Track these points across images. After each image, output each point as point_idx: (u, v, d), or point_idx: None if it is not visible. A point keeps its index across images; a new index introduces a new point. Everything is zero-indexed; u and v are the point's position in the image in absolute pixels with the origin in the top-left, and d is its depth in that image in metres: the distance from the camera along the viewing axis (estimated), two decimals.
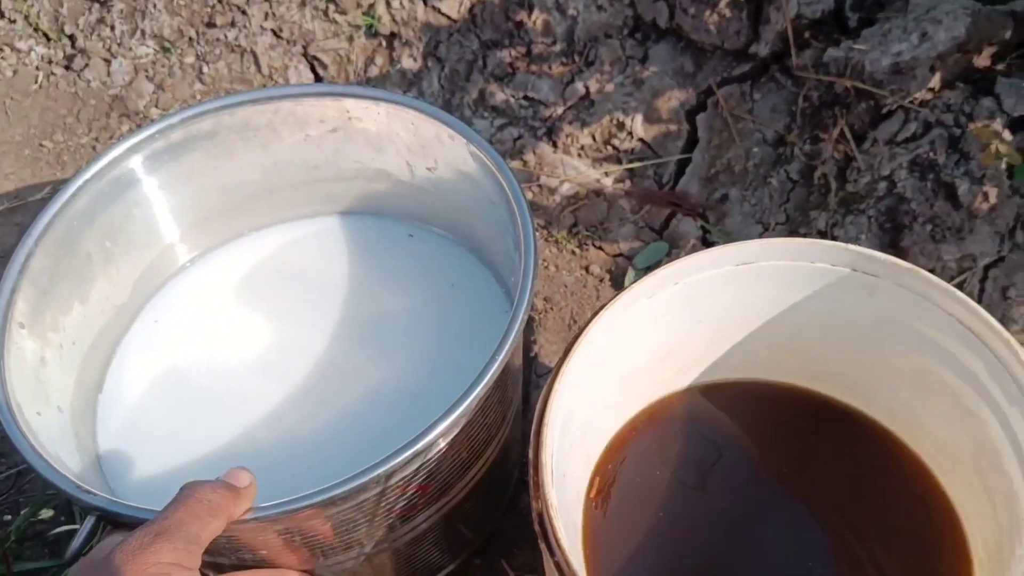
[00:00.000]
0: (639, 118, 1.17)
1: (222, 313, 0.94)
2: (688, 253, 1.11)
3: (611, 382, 0.78)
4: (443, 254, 0.96)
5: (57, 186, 1.32)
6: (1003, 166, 0.96)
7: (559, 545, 0.65)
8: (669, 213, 1.14)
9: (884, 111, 1.01)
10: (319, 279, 0.95)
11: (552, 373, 0.72)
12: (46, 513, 0.98)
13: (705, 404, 0.86)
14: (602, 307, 0.74)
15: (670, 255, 1.11)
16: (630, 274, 1.11)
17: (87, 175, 0.86)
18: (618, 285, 1.12)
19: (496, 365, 0.73)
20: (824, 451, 0.83)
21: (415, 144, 0.90)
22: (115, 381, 0.90)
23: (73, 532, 0.94)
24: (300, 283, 0.95)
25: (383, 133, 0.91)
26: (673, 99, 1.16)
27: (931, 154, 0.98)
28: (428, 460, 0.74)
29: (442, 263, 0.95)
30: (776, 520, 0.82)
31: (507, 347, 0.74)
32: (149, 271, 0.94)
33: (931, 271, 0.87)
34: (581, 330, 0.73)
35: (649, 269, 1.13)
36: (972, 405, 0.73)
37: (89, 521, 0.71)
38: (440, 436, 0.71)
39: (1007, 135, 0.96)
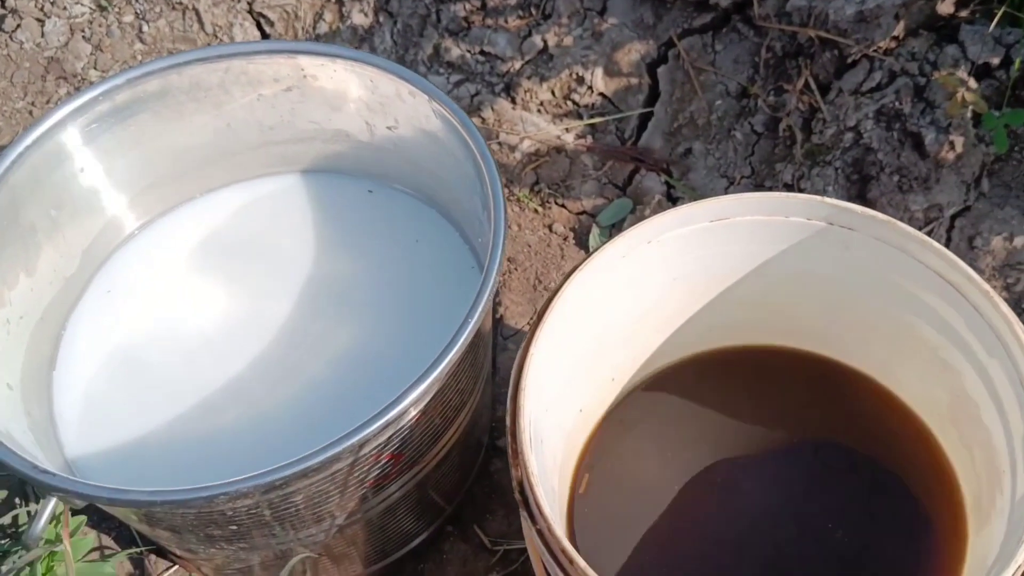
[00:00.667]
0: (599, 72, 1.14)
1: (176, 281, 0.90)
2: (653, 209, 1.09)
3: (586, 346, 0.76)
4: (405, 211, 0.93)
5: None
6: (968, 115, 0.95)
7: (541, 512, 0.63)
8: (632, 169, 1.12)
9: (849, 61, 1.00)
10: (277, 242, 0.92)
11: (527, 337, 0.70)
12: None
13: (686, 373, 0.84)
14: (575, 268, 0.72)
15: (634, 212, 1.09)
16: (594, 232, 1.09)
17: (27, 141, 0.81)
18: (582, 243, 1.10)
19: (468, 329, 0.71)
20: (809, 404, 0.83)
21: (374, 102, 0.87)
22: (68, 356, 0.86)
23: (29, 515, 0.91)
24: (257, 247, 0.92)
25: (340, 91, 0.88)
26: (633, 52, 1.14)
27: (897, 104, 0.97)
28: (401, 428, 0.72)
29: (404, 221, 0.92)
30: (764, 476, 0.81)
31: (479, 311, 0.72)
32: (98, 240, 0.90)
33: None
34: (555, 292, 0.72)
35: (614, 226, 1.11)
36: (949, 358, 0.73)
37: (49, 503, 0.68)
38: (412, 404, 0.69)
39: (972, 83, 0.95)
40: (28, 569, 0.71)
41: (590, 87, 1.15)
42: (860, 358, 0.82)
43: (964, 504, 0.76)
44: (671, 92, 1.13)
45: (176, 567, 0.92)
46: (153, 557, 0.92)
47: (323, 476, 0.70)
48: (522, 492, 0.66)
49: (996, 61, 0.97)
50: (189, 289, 0.90)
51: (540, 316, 0.71)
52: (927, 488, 0.77)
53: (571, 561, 0.61)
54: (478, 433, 0.91)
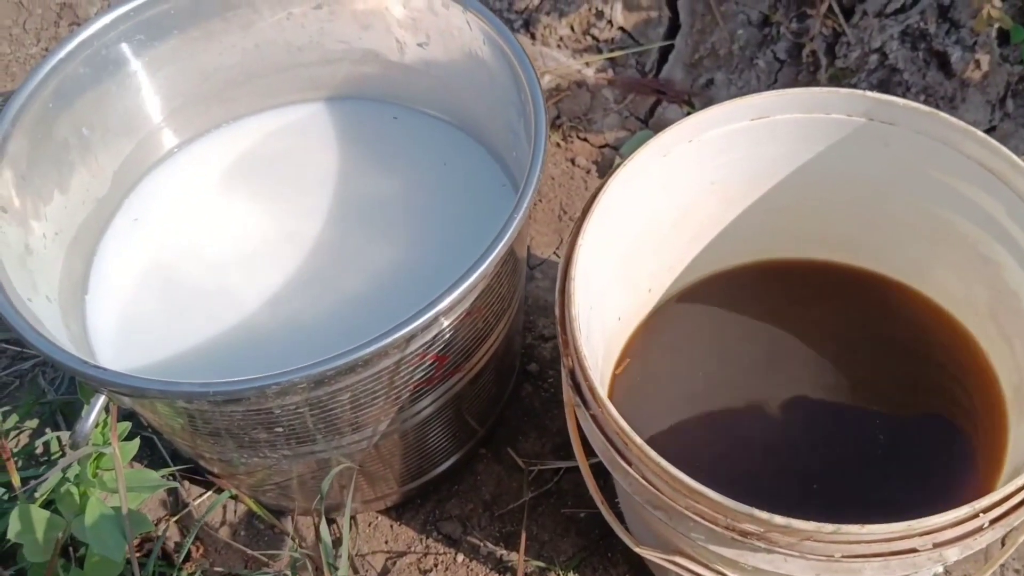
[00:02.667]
0: (618, 6, 1.15)
1: (208, 204, 0.90)
2: None
3: (625, 249, 0.76)
4: (432, 135, 0.93)
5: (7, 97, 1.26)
6: (993, 33, 0.96)
7: (595, 396, 0.63)
8: (654, 101, 1.12)
9: None
10: (305, 166, 0.92)
11: (572, 231, 0.70)
12: (31, 423, 0.94)
13: (718, 287, 0.85)
14: (618, 166, 0.73)
15: None
16: (618, 163, 1.09)
17: (61, 54, 0.81)
18: (605, 175, 1.10)
19: (515, 223, 0.71)
20: (841, 314, 0.83)
21: (405, 18, 0.87)
22: (101, 276, 0.86)
23: (60, 441, 0.90)
24: (286, 171, 0.92)
25: (371, 7, 0.87)
26: None
27: (922, 24, 0.97)
28: (446, 328, 0.72)
29: (432, 143, 0.92)
30: (804, 389, 0.81)
31: (524, 206, 0.72)
32: (128, 162, 0.89)
33: None
34: (599, 188, 0.72)
35: None
36: (989, 252, 0.73)
37: (97, 401, 0.68)
38: (462, 296, 0.68)
39: (996, 1, 0.95)
40: (76, 467, 0.71)
41: (609, 21, 1.15)
42: (894, 265, 0.82)
43: (1004, 397, 0.76)
44: (691, 23, 1.13)
45: (209, 493, 0.92)
46: (187, 484, 0.92)
47: (369, 374, 0.70)
48: (574, 379, 0.66)
49: None
50: (220, 211, 0.89)
51: (585, 211, 0.71)
52: (965, 385, 0.78)
53: (629, 441, 0.61)
54: (512, 353, 0.91)
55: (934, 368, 0.80)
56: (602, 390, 0.64)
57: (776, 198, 0.80)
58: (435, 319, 0.67)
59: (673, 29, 1.14)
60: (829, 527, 0.57)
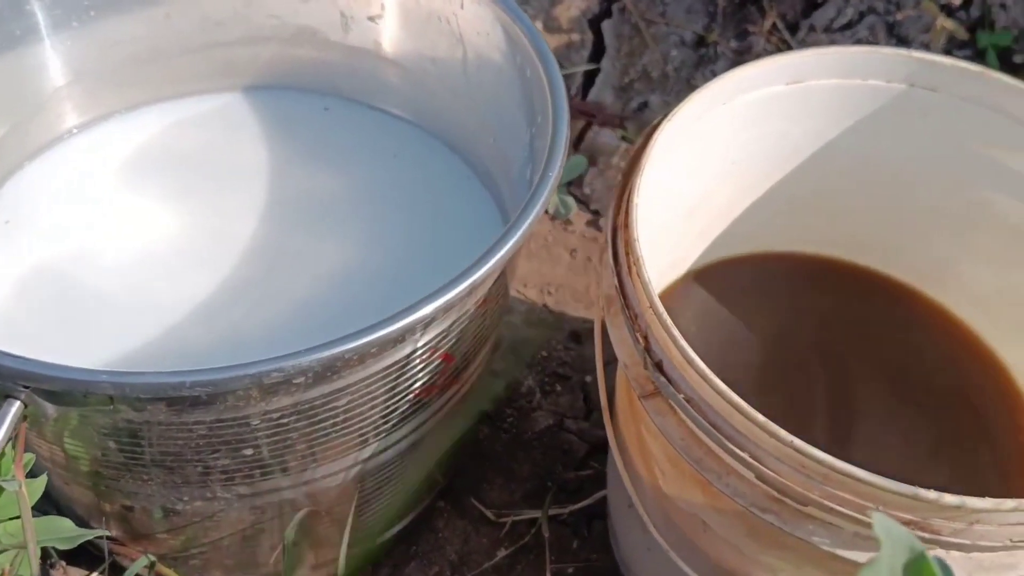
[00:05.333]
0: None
1: (106, 201, 0.72)
2: (611, 164, 1.02)
3: (659, 222, 0.65)
4: (374, 126, 0.79)
5: None
6: (941, 48, 0.94)
7: (708, 382, 0.51)
8: (584, 125, 1.04)
9: (819, 0, 0.97)
10: (228, 159, 0.76)
11: (620, 186, 0.59)
12: None
13: (722, 282, 0.75)
14: (656, 126, 0.62)
15: (596, 165, 1.01)
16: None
17: None
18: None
19: (537, 206, 0.58)
20: (850, 319, 0.75)
21: None
22: None
23: None
24: (204, 165, 0.76)
25: None
26: (573, 7, 1.07)
27: (871, 39, 0.95)
28: (462, 316, 0.58)
29: (376, 135, 0.79)
30: (812, 397, 0.72)
31: (546, 189, 0.59)
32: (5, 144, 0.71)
33: None
34: (649, 136, 0.61)
35: (571, 184, 1.02)
36: None
37: (7, 413, 0.49)
38: (489, 273, 0.55)
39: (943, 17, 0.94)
40: None
41: None
42: (911, 259, 0.75)
43: None
44: (618, 47, 1.06)
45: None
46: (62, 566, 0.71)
47: (379, 369, 0.55)
48: (659, 365, 0.53)
49: (957, 1, 0.97)
50: (125, 208, 0.72)
51: (635, 162, 0.60)
52: (987, 397, 0.72)
53: (760, 424, 0.49)
54: (484, 385, 0.77)
55: (954, 380, 0.74)
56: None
57: (796, 184, 0.72)
58: (470, 291, 0.54)
59: (598, 52, 1.07)
60: (1009, 502, 0.47)
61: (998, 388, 0.73)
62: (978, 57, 0.96)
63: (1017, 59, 0.96)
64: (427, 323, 0.53)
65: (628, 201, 0.57)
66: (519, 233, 0.55)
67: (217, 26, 0.77)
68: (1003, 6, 0.96)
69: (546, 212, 1.00)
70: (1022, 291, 0.70)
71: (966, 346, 0.75)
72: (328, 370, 0.51)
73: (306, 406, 0.54)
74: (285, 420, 0.54)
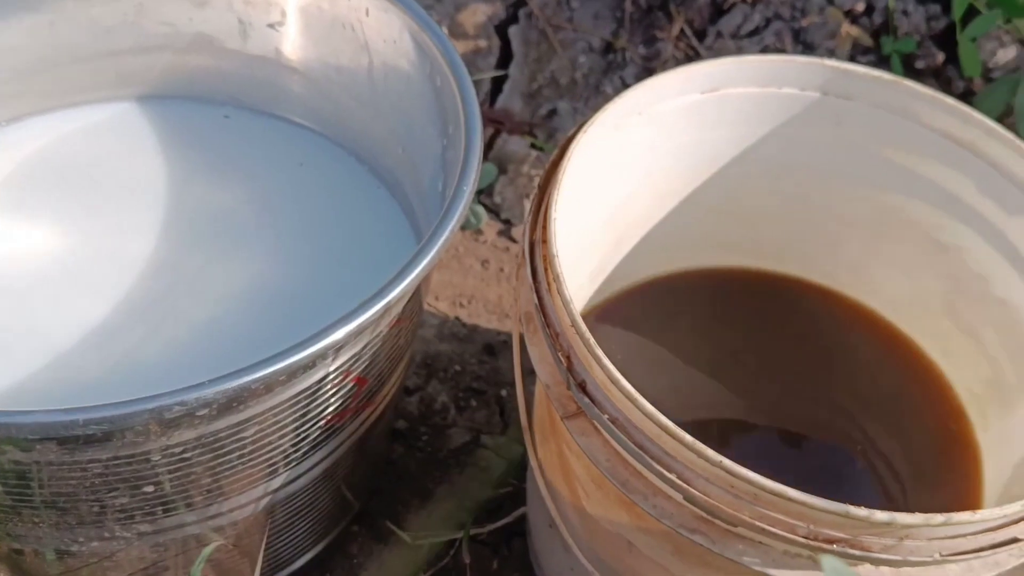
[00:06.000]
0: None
1: None
2: (521, 172, 1.00)
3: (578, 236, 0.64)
4: (276, 135, 0.76)
5: None
6: (846, 55, 0.95)
7: (636, 405, 0.49)
8: (492, 133, 1.02)
9: (727, 7, 0.97)
10: (119, 174, 0.72)
11: (535, 200, 0.57)
12: None
13: (642, 298, 0.74)
14: (571, 138, 0.61)
15: (506, 173, 0.99)
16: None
17: None
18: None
19: (459, 209, 0.56)
20: (774, 327, 0.75)
21: None
22: None
23: None
24: (92, 180, 0.71)
25: None
26: (479, 13, 1.05)
27: (778, 44, 0.95)
28: (375, 338, 0.55)
29: (279, 145, 0.76)
30: (748, 408, 0.72)
31: (461, 203, 0.57)
32: None
33: None
34: (560, 155, 0.59)
35: (481, 192, 1.00)
36: (947, 236, 0.68)
37: None
38: (403, 294, 0.52)
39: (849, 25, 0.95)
40: None
41: None
42: (826, 266, 0.75)
43: (960, 404, 0.70)
44: (526, 53, 1.04)
45: None
46: None
47: (288, 397, 0.52)
48: (582, 386, 0.51)
49: (861, 7, 0.98)
50: (7, 226, 0.67)
51: (549, 178, 0.58)
52: (919, 394, 0.72)
53: (688, 444, 0.47)
54: (398, 406, 0.75)
55: (884, 381, 0.74)
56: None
57: (711, 194, 0.71)
58: (384, 313, 0.51)
59: (505, 58, 1.05)
60: (939, 517, 0.46)
61: (926, 384, 0.73)
62: (882, 63, 0.97)
63: (919, 64, 0.98)
64: (339, 347, 0.51)
65: (546, 216, 0.56)
66: (434, 250, 0.52)
67: (107, 34, 0.72)
68: (905, 12, 0.97)
69: None
70: (933, 297, 0.71)
71: (893, 347, 0.75)
72: (234, 401, 0.48)
73: (210, 439, 0.50)
74: (188, 454, 0.51)
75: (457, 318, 0.92)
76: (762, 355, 0.74)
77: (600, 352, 0.50)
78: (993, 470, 0.67)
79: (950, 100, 0.64)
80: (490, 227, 0.97)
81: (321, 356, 0.50)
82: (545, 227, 0.55)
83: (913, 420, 0.70)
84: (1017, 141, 0.63)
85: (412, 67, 0.67)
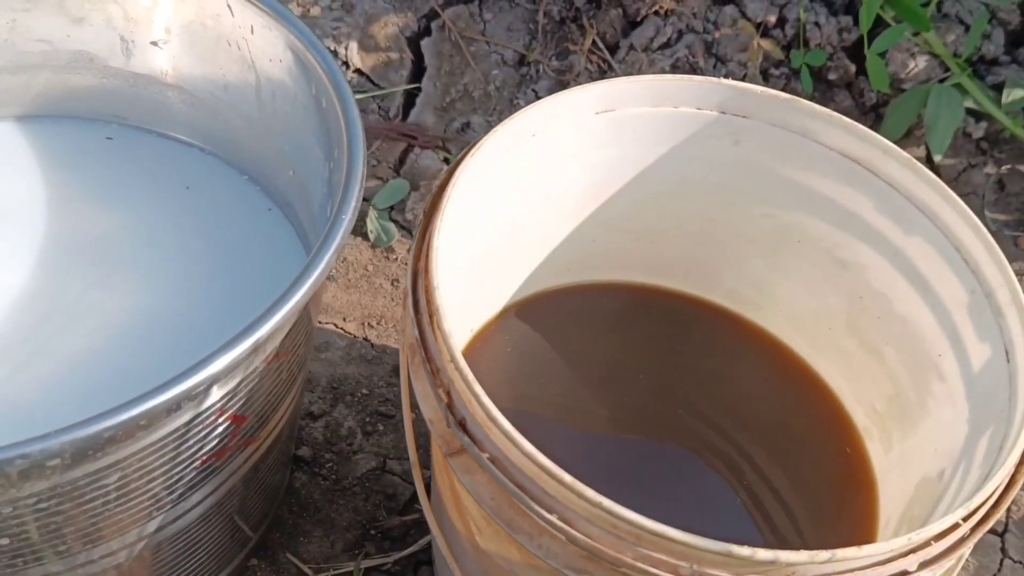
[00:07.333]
0: (353, 47, 1.02)
1: None
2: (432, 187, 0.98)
3: (460, 265, 0.62)
4: (163, 155, 0.73)
5: None
6: (758, 69, 0.94)
7: (509, 436, 0.47)
8: (405, 148, 0.99)
9: (639, 19, 0.96)
10: None
11: (421, 226, 0.55)
12: None
13: (545, 313, 0.73)
14: (459, 161, 0.59)
15: (418, 190, 0.96)
16: (372, 215, 0.94)
17: None
18: (358, 230, 0.95)
19: (339, 233, 0.54)
20: (671, 345, 0.74)
21: (137, 7, 0.68)
22: None
23: None
24: None
25: None
26: (391, 24, 1.03)
27: (691, 57, 0.94)
28: (252, 373, 0.53)
29: (165, 166, 0.73)
30: (636, 426, 0.70)
31: (341, 228, 0.54)
32: None
33: None
34: (445, 182, 0.57)
35: (393, 208, 0.97)
36: (848, 254, 0.67)
37: None
38: (278, 327, 0.50)
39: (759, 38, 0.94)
40: None
41: (345, 63, 1.02)
42: (728, 284, 0.74)
43: (853, 424, 0.70)
44: (439, 65, 1.02)
45: None
46: None
47: (152, 441, 0.49)
48: (462, 425, 0.49)
49: (773, 20, 0.97)
50: None
51: (434, 207, 0.56)
52: (811, 417, 0.71)
53: (571, 488, 0.46)
54: (295, 426, 0.72)
55: (775, 404, 0.73)
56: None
57: (610, 213, 0.70)
58: (252, 351, 0.48)
59: (418, 72, 1.03)
60: (823, 554, 0.45)
61: (821, 408, 0.72)
62: (794, 75, 0.96)
63: (832, 76, 0.97)
64: (205, 388, 0.48)
65: (429, 245, 0.54)
66: (305, 287, 0.50)
67: None
68: (817, 24, 0.96)
69: (366, 239, 0.95)
70: (836, 314, 0.70)
71: (787, 368, 0.74)
72: (88, 449, 0.45)
73: (68, 487, 0.47)
74: (44, 505, 0.48)
75: (366, 339, 0.89)
76: (655, 373, 0.73)
77: (479, 389, 0.48)
78: (894, 490, 0.66)
79: (846, 119, 0.63)
80: (401, 244, 0.95)
81: (186, 398, 0.47)
82: (428, 257, 0.53)
83: (806, 443, 0.70)
84: (913, 161, 0.62)
85: (298, 87, 0.65)
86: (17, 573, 0.52)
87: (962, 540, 0.49)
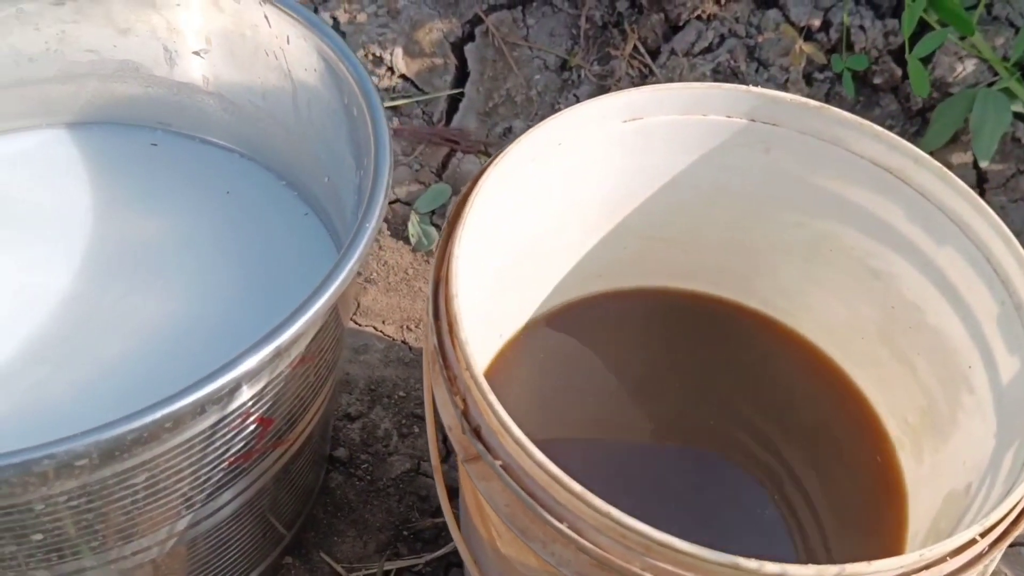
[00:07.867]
0: (399, 52, 1.03)
1: None
2: None
3: (487, 274, 0.62)
4: (206, 161, 0.75)
5: None
6: (800, 73, 0.93)
7: (523, 447, 0.48)
8: (447, 152, 1.01)
9: (681, 24, 0.95)
10: (37, 206, 0.71)
11: (443, 235, 0.56)
12: None
13: (577, 320, 0.73)
14: (483, 170, 0.60)
15: (452, 198, 0.98)
16: (413, 220, 0.96)
17: None
18: (399, 234, 0.96)
19: (364, 239, 0.55)
20: (706, 348, 0.74)
21: (179, 18, 0.70)
22: None
23: None
24: (7, 212, 0.70)
25: (131, 4, 0.70)
26: (435, 30, 1.04)
27: (732, 62, 0.93)
28: (277, 377, 0.54)
29: (207, 171, 0.75)
30: (671, 433, 0.71)
31: (364, 237, 0.56)
32: None
33: None
34: (469, 189, 0.58)
35: (434, 212, 0.98)
36: (881, 264, 0.67)
37: None
38: (304, 329, 0.51)
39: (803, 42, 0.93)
40: None
41: (390, 68, 1.03)
42: (762, 292, 0.74)
43: (891, 436, 0.69)
44: (482, 71, 1.03)
45: None
46: None
47: (177, 444, 0.51)
48: (480, 435, 0.50)
49: (817, 23, 0.96)
50: None
51: (457, 214, 0.57)
52: (847, 425, 0.71)
53: (580, 497, 0.46)
54: (328, 427, 0.74)
55: (812, 410, 0.72)
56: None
57: (642, 221, 0.70)
58: (274, 356, 0.50)
59: (461, 77, 1.04)
60: (831, 569, 0.45)
61: (858, 417, 0.72)
62: (838, 79, 0.95)
63: (877, 80, 0.96)
64: (228, 392, 0.49)
65: (449, 253, 0.54)
66: (326, 296, 0.51)
67: (30, 62, 0.72)
68: (862, 28, 0.95)
69: (407, 243, 0.97)
70: (868, 324, 0.69)
71: (823, 374, 0.73)
72: (114, 451, 0.47)
73: (97, 486, 0.49)
74: (75, 503, 0.50)
75: (404, 342, 0.91)
76: (691, 376, 0.73)
77: (493, 397, 0.49)
78: (924, 503, 0.65)
79: (877, 127, 0.63)
80: None
81: (211, 401, 0.49)
82: (448, 266, 0.54)
83: (842, 452, 0.69)
84: (944, 170, 0.61)
85: (331, 96, 0.66)
86: (53, 567, 0.54)
87: (980, 556, 0.48)
